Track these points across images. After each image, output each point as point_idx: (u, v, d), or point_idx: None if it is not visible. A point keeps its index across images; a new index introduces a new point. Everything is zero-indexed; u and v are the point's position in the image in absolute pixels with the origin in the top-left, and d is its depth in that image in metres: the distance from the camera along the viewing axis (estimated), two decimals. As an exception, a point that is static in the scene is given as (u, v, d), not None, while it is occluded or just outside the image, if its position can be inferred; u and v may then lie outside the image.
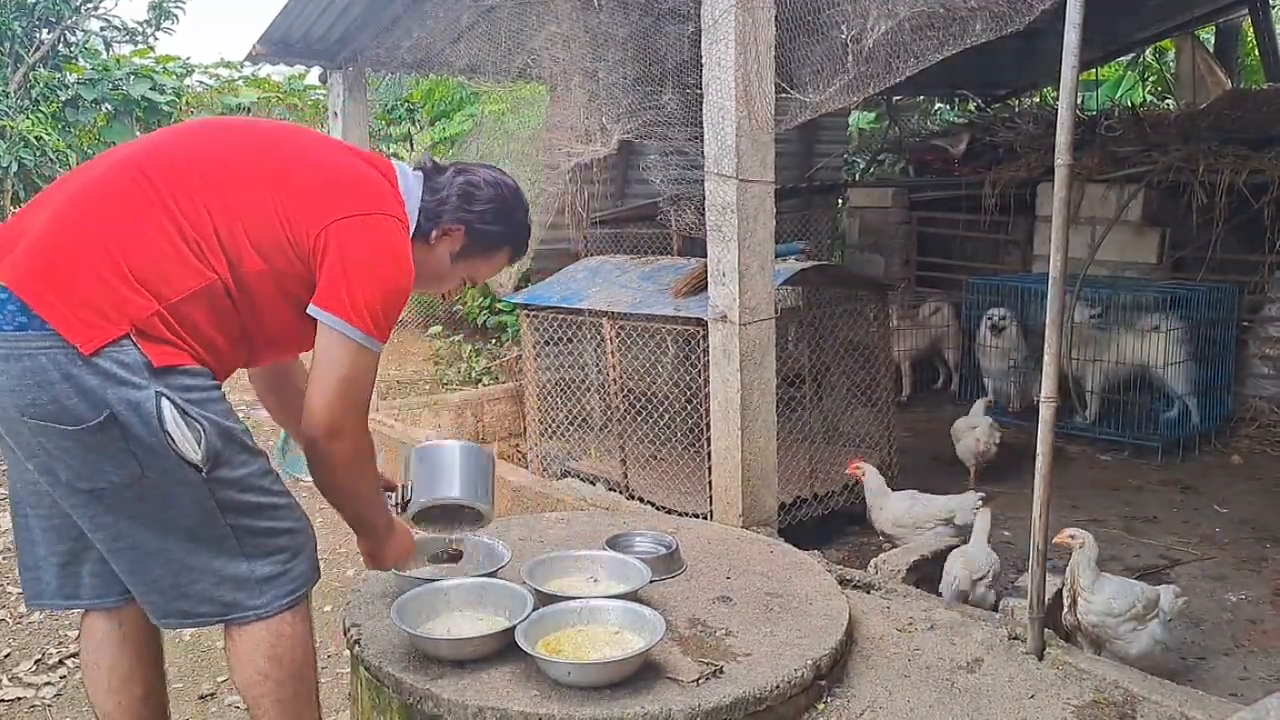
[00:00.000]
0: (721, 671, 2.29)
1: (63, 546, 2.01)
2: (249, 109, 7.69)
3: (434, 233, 2.16)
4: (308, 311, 1.93)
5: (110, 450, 1.78)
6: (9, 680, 3.02)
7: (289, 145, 2.05)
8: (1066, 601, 3.09)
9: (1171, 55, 9.82)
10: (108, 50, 6.88)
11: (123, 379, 1.76)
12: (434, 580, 2.54)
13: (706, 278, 3.51)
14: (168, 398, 1.80)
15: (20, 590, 3.63)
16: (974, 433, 5.15)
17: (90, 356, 1.74)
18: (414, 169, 2.20)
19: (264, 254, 1.91)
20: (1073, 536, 3.06)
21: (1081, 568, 3.04)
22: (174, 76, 7.29)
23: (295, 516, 2.05)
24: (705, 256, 3.53)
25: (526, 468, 4.99)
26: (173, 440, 1.81)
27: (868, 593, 3.03)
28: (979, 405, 5.35)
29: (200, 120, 2.28)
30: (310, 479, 2.08)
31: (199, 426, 1.84)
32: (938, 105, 10.52)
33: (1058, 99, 2.56)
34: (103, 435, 1.76)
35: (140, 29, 6.64)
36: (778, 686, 2.27)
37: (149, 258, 1.81)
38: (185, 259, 1.84)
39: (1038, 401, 2.54)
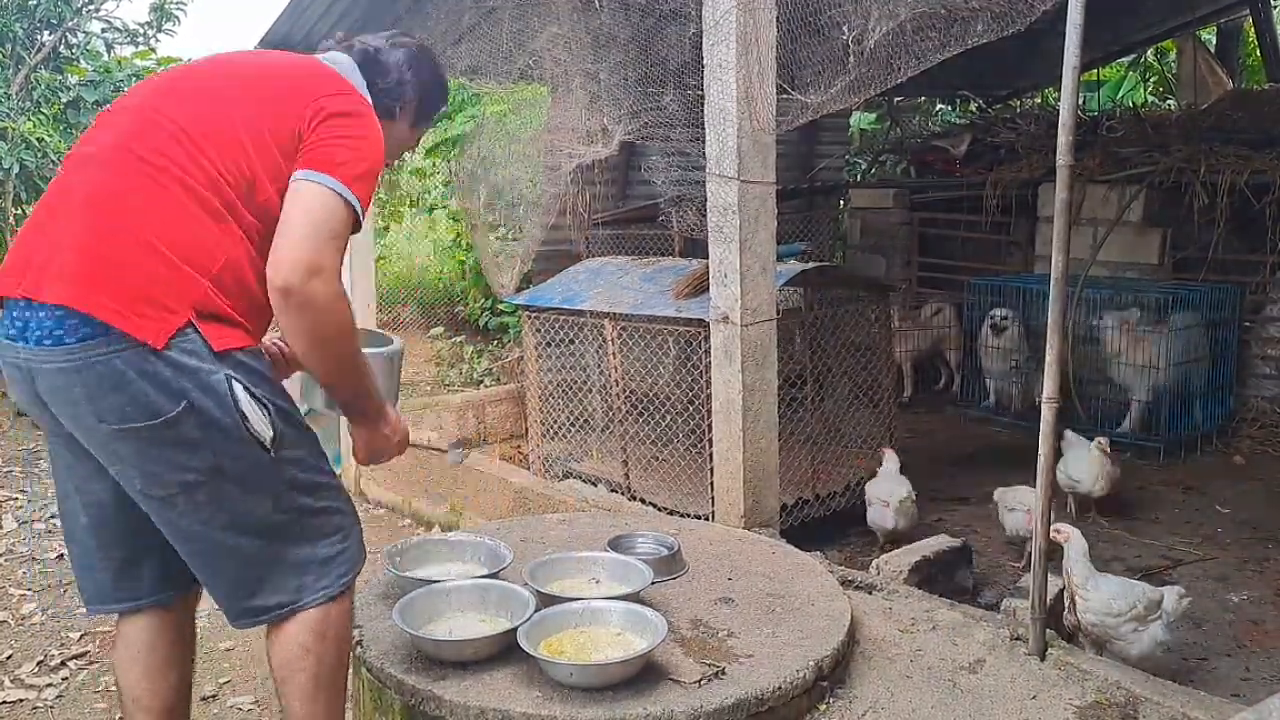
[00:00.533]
0: (723, 673, 2.29)
1: (120, 552, 2.01)
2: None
3: (398, 108, 2.23)
4: (291, 181, 1.88)
5: (188, 443, 1.79)
6: (11, 682, 3.02)
7: (245, 65, 2.09)
8: (1067, 602, 3.08)
9: (1173, 56, 9.82)
10: (109, 52, 6.88)
11: (194, 367, 1.78)
12: (436, 581, 2.54)
13: (708, 279, 3.51)
14: (236, 379, 1.82)
15: (21, 592, 3.64)
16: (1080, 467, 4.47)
17: (162, 351, 1.75)
18: (344, 57, 2.19)
19: (270, 175, 1.89)
20: (1058, 530, 3.04)
21: (1073, 564, 3.04)
22: (175, 78, 7.29)
23: (344, 498, 2.06)
24: (707, 257, 3.53)
25: (528, 469, 4.99)
26: (247, 420, 1.83)
27: (870, 594, 3.03)
28: (1092, 446, 4.44)
29: (145, 84, 2.15)
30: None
31: (266, 406, 1.86)
32: (939, 106, 10.52)
33: (1059, 99, 2.56)
34: (182, 427, 1.78)
35: (142, 30, 6.64)
36: (779, 688, 2.27)
37: (185, 236, 1.81)
38: (208, 226, 1.84)
39: (1039, 402, 2.54)
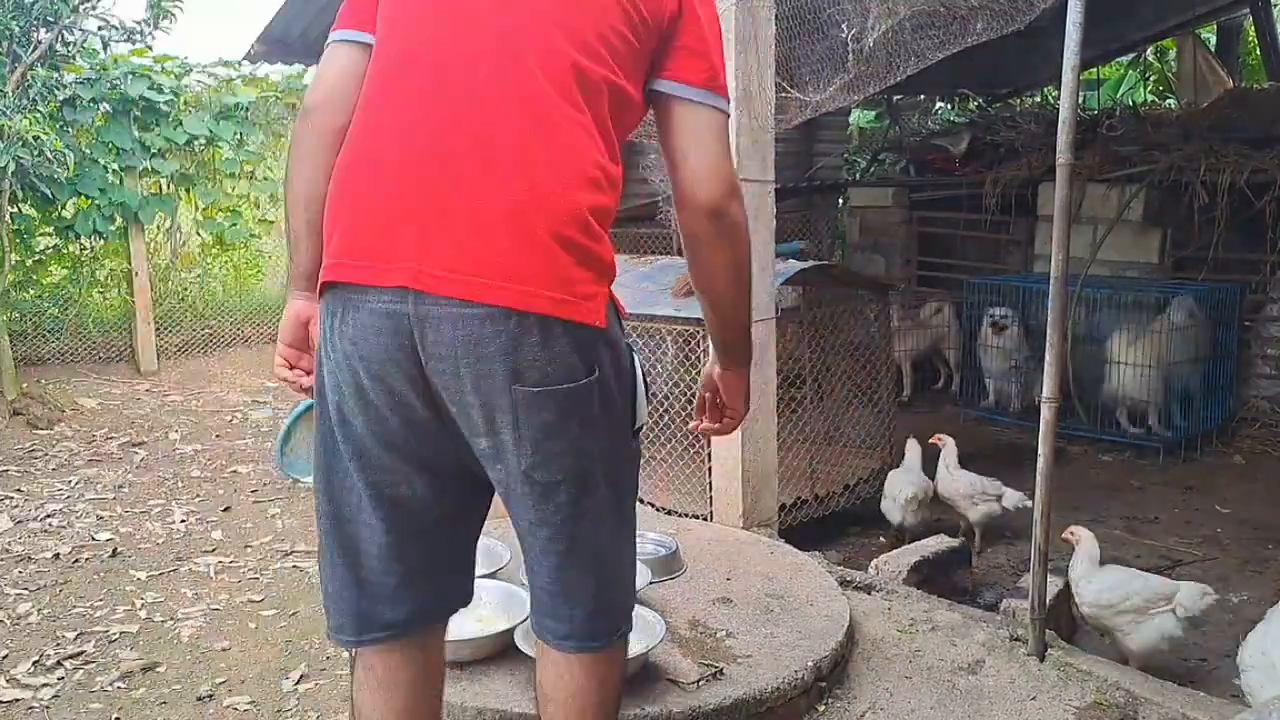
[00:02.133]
0: (722, 673, 2.28)
1: (402, 567, 1.67)
2: (247, 108, 7.68)
3: None
4: (673, 92, 1.61)
5: (589, 420, 1.53)
6: (7, 682, 3.01)
7: None
8: (1074, 592, 3.12)
9: (1173, 54, 9.81)
10: (106, 49, 6.85)
11: (606, 330, 1.52)
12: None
13: (706, 277, 3.49)
14: (634, 352, 1.61)
15: (17, 591, 3.63)
16: None
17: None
18: None
19: (627, 69, 1.59)
20: (1072, 533, 3.14)
21: (1074, 560, 3.10)
22: (172, 76, 7.26)
23: None
24: (705, 256, 3.52)
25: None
26: (637, 399, 1.60)
27: (869, 594, 3.02)
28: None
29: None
30: (311, 479, 2.02)
31: (648, 388, 1.66)
32: (939, 104, 10.50)
33: (1059, 98, 2.55)
34: (591, 399, 1.51)
35: (138, 28, 6.61)
36: (778, 688, 2.27)
37: (588, 166, 1.51)
38: (600, 148, 1.54)
39: (1038, 402, 2.53)
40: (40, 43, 6.25)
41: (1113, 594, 3.01)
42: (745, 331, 1.82)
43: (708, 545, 3.09)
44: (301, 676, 2.98)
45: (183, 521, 4.35)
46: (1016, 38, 3.21)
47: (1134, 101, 8.94)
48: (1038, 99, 9.33)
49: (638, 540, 2.93)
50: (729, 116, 1.66)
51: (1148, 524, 4.59)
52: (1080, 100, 2.83)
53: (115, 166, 7.03)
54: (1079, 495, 4.91)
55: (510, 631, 2.26)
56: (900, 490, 4.15)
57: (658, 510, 4.13)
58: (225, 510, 4.49)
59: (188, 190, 7.67)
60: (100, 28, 6.58)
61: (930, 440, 4.38)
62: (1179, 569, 4.05)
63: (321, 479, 1.65)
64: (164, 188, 7.54)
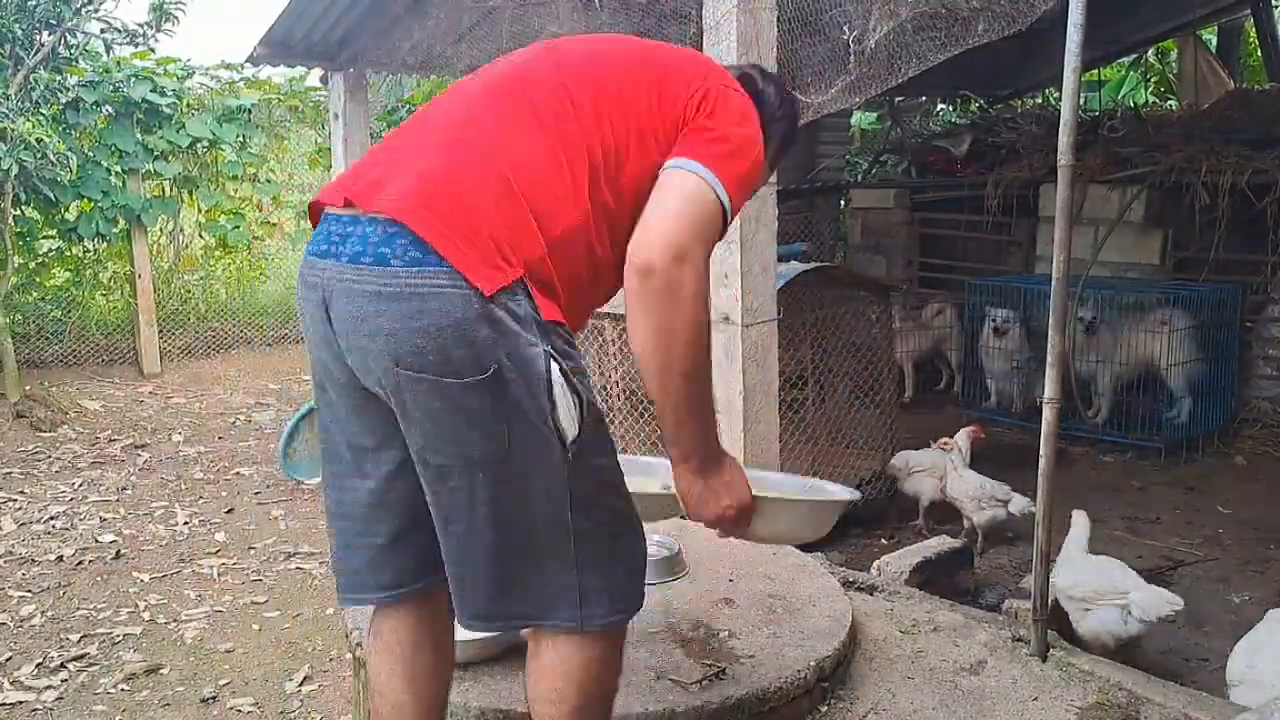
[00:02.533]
0: (724, 673, 2.29)
1: (389, 529, 1.73)
2: (250, 111, 7.69)
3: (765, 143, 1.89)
4: (665, 168, 1.66)
5: (480, 415, 1.53)
6: (10, 684, 3.02)
7: (628, 41, 1.87)
8: None
9: (1174, 56, 9.81)
10: (108, 52, 6.87)
11: (513, 332, 1.51)
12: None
13: (708, 279, 3.50)
14: (556, 359, 1.56)
15: (21, 593, 3.64)
16: None
17: (488, 301, 1.49)
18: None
19: (642, 156, 1.68)
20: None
21: (1066, 544, 3.18)
22: (175, 78, 7.28)
23: (637, 529, 1.78)
24: (707, 258, 3.53)
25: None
26: (554, 409, 1.56)
27: (871, 595, 3.02)
28: None
29: (520, 53, 1.87)
30: (314, 481, 2.04)
31: (580, 399, 1.60)
32: (940, 106, 10.50)
33: (1060, 99, 2.56)
34: (480, 395, 1.51)
35: (141, 31, 6.62)
36: (780, 688, 2.27)
37: (542, 188, 1.58)
38: (567, 185, 1.60)
39: (1040, 403, 2.53)
40: (43, 45, 6.26)
41: (1063, 579, 3.07)
42: (677, 421, 1.68)
43: (710, 546, 3.09)
44: (305, 678, 2.99)
45: (186, 523, 4.36)
46: (1017, 39, 3.22)
47: (1135, 103, 8.94)
48: (1039, 100, 9.33)
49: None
50: (716, 197, 1.62)
51: (1149, 524, 4.60)
52: (1081, 102, 2.83)
53: (118, 169, 7.05)
54: (1081, 496, 4.90)
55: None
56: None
57: (660, 511, 4.14)
58: (228, 512, 4.50)
59: (190, 193, 7.68)
60: (103, 30, 6.59)
61: (939, 444, 4.37)
62: (1180, 569, 4.06)
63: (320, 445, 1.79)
64: (166, 190, 7.56)
